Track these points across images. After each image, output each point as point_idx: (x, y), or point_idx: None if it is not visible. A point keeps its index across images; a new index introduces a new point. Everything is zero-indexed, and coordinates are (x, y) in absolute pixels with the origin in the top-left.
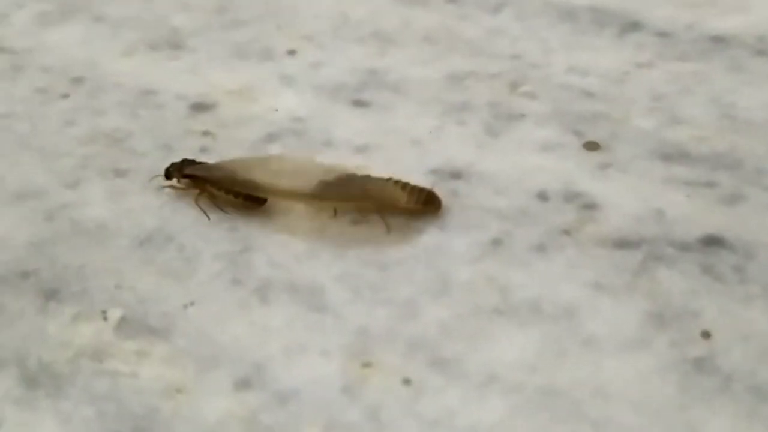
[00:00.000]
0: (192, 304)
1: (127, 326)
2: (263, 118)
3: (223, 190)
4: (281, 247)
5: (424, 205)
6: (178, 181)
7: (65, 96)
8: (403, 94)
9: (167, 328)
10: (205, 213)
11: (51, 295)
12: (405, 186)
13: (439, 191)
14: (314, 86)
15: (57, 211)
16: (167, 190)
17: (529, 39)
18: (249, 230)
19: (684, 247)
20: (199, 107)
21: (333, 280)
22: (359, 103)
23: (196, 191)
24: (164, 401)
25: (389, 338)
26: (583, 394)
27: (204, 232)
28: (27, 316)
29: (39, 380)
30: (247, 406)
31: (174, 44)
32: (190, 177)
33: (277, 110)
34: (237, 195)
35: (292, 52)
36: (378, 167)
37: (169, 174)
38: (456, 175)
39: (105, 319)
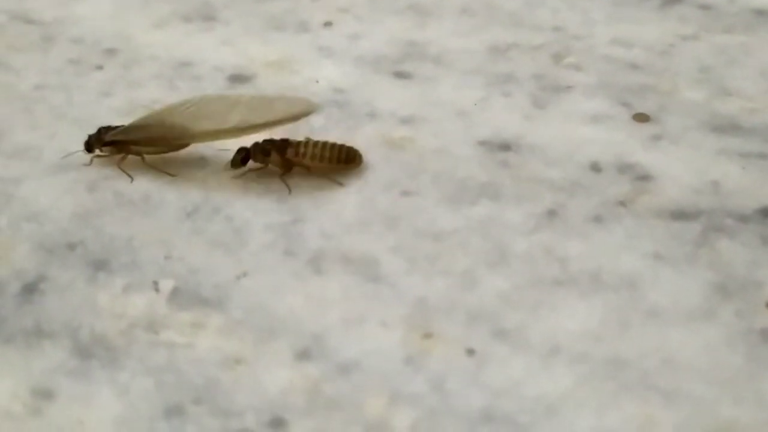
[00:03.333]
0: (245, 275)
1: (180, 297)
2: (304, 90)
3: (146, 145)
4: (332, 219)
5: (345, 163)
6: (101, 151)
7: (99, 67)
8: (446, 66)
9: (221, 299)
10: (128, 174)
11: (100, 266)
12: (324, 145)
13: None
14: (354, 58)
15: (99, 183)
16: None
17: (570, 10)
18: (298, 201)
19: (743, 218)
20: (238, 78)
21: (387, 251)
22: (401, 75)
23: (120, 156)
24: (224, 372)
25: (449, 309)
26: (650, 364)
27: (252, 204)
28: (76, 288)
29: (92, 351)
30: (308, 376)
31: (206, 16)
32: (112, 143)
33: (317, 82)
34: (159, 146)
35: (328, 24)
36: (425, 138)
37: (90, 146)
38: (505, 146)
39: (157, 290)
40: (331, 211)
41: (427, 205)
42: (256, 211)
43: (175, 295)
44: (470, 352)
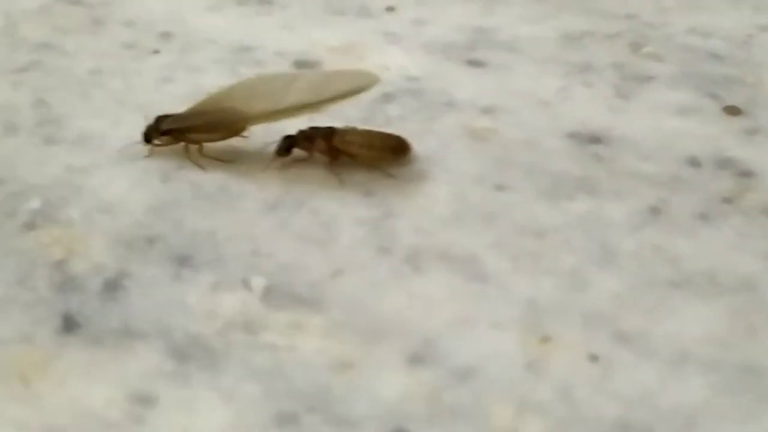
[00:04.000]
0: (340, 272)
1: (274, 296)
2: None
3: (203, 132)
4: (423, 213)
5: (394, 152)
6: (158, 140)
7: (156, 52)
8: (519, 54)
9: (318, 298)
10: (199, 165)
11: (183, 261)
12: (372, 133)
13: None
14: (422, 44)
15: (173, 173)
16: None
17: None
18: (386, 195)
19: None
20: (303, 65)
21: (487, 248)
22: (474, 63)
23: (181, 145)
24: (334, 377)
25: (562, 310)
26: None
27: (337, 196)
28: (161, 284)
29: (189, 353)
30: (425, 383)
31: None
32: (168, 132)
33: (388, 69)
34: (216, 131)
35: (390, 9)
36: (508, 129)
37: (148, 137)
38: (595, 139)
39: (249, 288)
40: (421, 205)
41: (522, 200)
42: (343, 204)
43: (269, 293)
44: (593, 357)
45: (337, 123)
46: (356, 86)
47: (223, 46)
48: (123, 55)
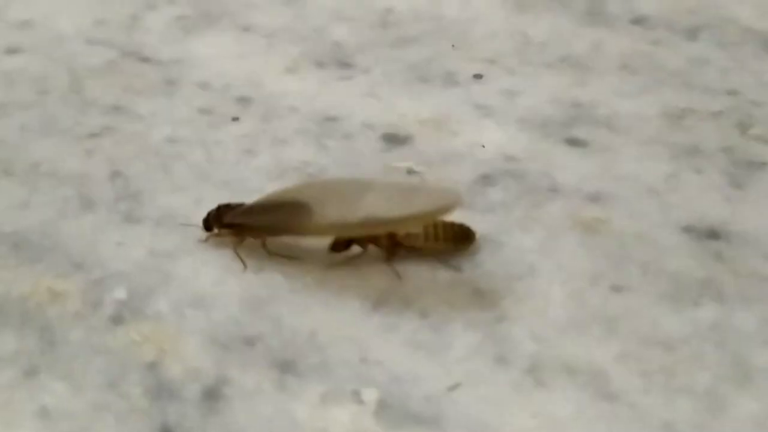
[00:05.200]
0: (457, 386)
1: (388, 411)
2: (471, 156)
3: (266, 231)
4: (539, 316)
5: (459, 242)
6: (219, 231)
7: (235, 119)
8: (621, 133)
9: (436, 415)
10: (242, 261)
11: (286, 368)
12: (435, 224)
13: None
14: (517, 119)
15: (265, 262)
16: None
17: (741, 71)
18: (496, 294)
19: None
20: (393, 139)
21: (614, 360)
22: (575, 142)
23: (237, 239)
24: None
25: None
26: None
27: (446, 295)
28: (265, 394)
29: None
30: None
31: (341, 62)
32: (230, 226)
33: (483, 146)
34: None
35: (478, 77)
36: (620, 220)
37: (208, 225)
38: (713, 234)
39: (360, 402)
40: (536, 307)
41: (643, 304)
42: (452, 305)
43: (383, 408)
44: None
45: None
46: (436, 208)
47: (306, 115)
48: (200, 122)
